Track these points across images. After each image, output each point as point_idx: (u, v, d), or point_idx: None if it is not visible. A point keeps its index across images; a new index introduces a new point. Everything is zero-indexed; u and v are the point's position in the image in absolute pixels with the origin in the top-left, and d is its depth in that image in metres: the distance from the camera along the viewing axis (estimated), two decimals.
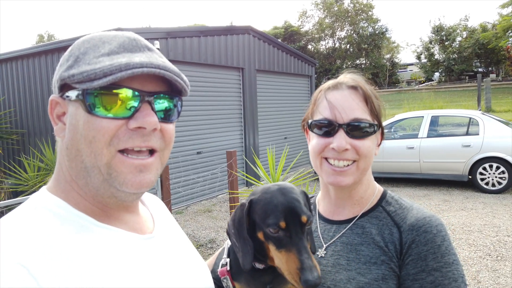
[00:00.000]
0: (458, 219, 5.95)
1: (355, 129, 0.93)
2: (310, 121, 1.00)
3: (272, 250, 0.81)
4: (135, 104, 0.62)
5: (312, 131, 0.99)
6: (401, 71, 48.81)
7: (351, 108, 0.94)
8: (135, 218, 0.74)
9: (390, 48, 45.12)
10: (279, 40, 11.24)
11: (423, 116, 8.42)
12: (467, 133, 7.75)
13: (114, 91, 0.61)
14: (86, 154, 0.62)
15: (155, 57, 0.66)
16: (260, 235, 0.83)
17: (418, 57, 44.74)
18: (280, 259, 0.80)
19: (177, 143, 7.38)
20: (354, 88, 0.97)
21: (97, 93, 0.61)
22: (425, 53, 43.05)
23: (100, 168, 0.63)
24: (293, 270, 0.77)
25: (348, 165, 0.95)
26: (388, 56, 45.23)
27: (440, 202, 6.96)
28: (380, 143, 1.04)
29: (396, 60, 46.64)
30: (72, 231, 0.61)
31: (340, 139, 0.93)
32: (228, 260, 0.93)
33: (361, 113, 0.94)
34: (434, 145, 7.96)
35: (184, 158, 7.52)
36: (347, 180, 0.95)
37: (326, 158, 0.97)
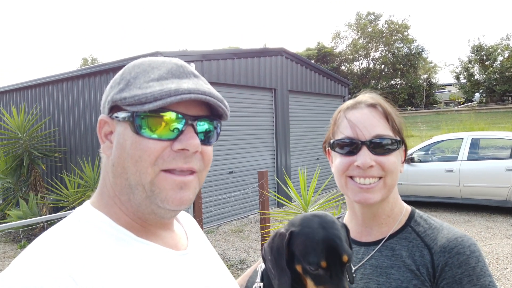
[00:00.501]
0: (503, 248, 5.59)
1: (378, 146, 0.93)
2: (332, 141, 1.00)
3: (310, 285, 0.81)
4: (180, 126, 0.66)
5: (335, 150, 0.99)
6: (438, 92, 47.39)
7: (372, 125, 0.94)
8: (171, 235, 0.76)
9: (427, 68, 44.06)
10: (312, 61, 11.30)
11: (462, 138, 8.09)
12: (511, 157, 7.36)
13: (161, 114, 0.65)
14: (131, 172, 0.65)
15: (201, 83, 0.69)
16: (298, 268, 0.82)
17: (457, 77, 43.36)
18: None
19: None
20: (373, 106, 0.97)
21: (144, 115, 0.65)
22: (464, 73, 41.67)
23: (144, 186, 0.66)
24: None
25: (374, 182, 0.94)
26: (424, 76, 44.14)
27: (482, 229, 6.58)
28: (404, 161, 1.02)
29: (434, 81, 45.41)
30: (112, 244, 0.64)
31: (364, 156, 0.93)
32: (261, 284, 0.92)
33: (383, 129, 0.94)
34: (475, 169, 7.59)
35: (216, 177, 7.59)
36: (375, 197, 0.94)
37: (351, 177, 0.96)
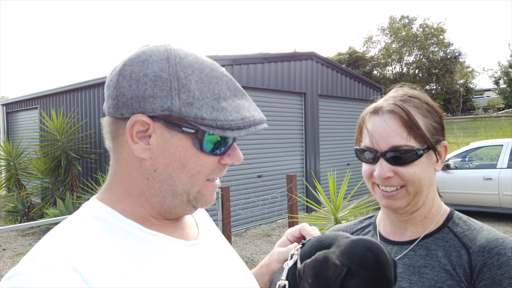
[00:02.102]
0: None
1: (395, 157, 0.90)
2: (355, 147, 1.00)
3: None
4: (230, 142, 0.69)
5: (358, 157, 0.99)
6: (476, 97, 45.56)
7: (388, 135, 0.90)
8: (181, 225, 0.76)
9: (464, 73, 42.49)
10: (343, 66, 11.17)
11: (502, 145, 7.71)
12: None
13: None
14: (182, 182, 0.67)
15: (255, 106, 0.71)
16: None
17: (496, 82, 41.52)
18: None
19: (238, 165, 7.51)
20: (392, 112, 0.91)
21: (211, 135, 0.65)
22: (504, 78, 39.81)
23: (189, 194, 0.68)
24: None
25: (396, 189, 0.92)
26: (461, 81, 42.58)
27: None
28: (443, 158, 0.96)
29: (471, 86, 43.71)
30: (120, 238, 0.64)
31: (380, 168, 0.91)
32: (286, 283, 0.90)
33: (399, 139, 0.89)
34: None
35: (245, 181, 7.62)
36: (399, 204, 0.92)
37: (377, 185, 0.95)
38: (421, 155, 0.90)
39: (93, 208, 0.68)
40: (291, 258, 0.91)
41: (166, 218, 0.71)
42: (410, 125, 0.89)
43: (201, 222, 0.83)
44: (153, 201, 0.68)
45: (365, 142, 0.95)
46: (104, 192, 0.71)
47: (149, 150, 0.65)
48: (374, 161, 0.93)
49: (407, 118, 0.89)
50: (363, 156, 0.96)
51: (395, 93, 0.98)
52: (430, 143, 0.91)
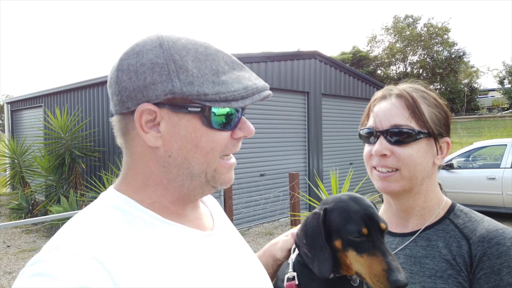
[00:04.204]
0: None
1: (394, 135, 0.93)
2: (359, 130, 1.03)
3: (352, 256, 0.80)
4: (239, 115, 0.69)
5: (362, 140, 1.02)
6: (481, 97, 45.33)
7: (391, 115, 0.95)
8: (197, 215, 0.77)
9: (468, 72, 42.26)
10: (347, 65, 11.15)
11: (506, 145, 7.67)
12: None
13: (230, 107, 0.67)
14: (197, 163, 0.67)
15: (255, 76, 0.71)
16: (337, 243, 0.82)
17: (501, 82, 41.29)
18: (361, 264, 0.79)
19: (241, 164, 7.53)
20: (399, 96, 0.96)
21: (218, 110, 0.66)
22: (509, 78, 39.58)
23: (207, 173, 0.69)
24: (378, 272, 0.76)
25: (391, 171, 0.94)
26: (466, 81, 42.36)
27: None
28: (446, 153, 0.99)
29: (476, 85, 43.48)
30: (139, 227, 0.65)
31: (379, 144, 0.94)
32: (295, 274, 0.92)
33: (401, 119, 0.93)
34: None
35: (248, 179, 7.63)
36: (393, 186, 0.94)
37: (374, 167, 0.98)
38: (419, 139, 0.93)
39: (112, 198, 0.69)
40: (294, 251, 0.93)
41: (186, 202, 0.72)
42: (413, 108, 0.94)
43: (215, 213, 0.85)
44: (172, 187, 0.69)
45: (370, 123, 0.99)
46: (121, 183, 0.72)
47: (160, 137, 0.66)
48: (375, 139, 0.96)
49: (411, 101, 0.94)
50: (366, 139, 1.00)
51: (405, 84, 1.03)
52: (432, 130, 0.94)
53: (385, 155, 0.93)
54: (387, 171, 0.94)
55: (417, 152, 0.93)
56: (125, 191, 0.70)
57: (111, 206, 0.67)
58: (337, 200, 0.87)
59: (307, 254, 0.86)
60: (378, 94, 1.03)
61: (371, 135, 0.98)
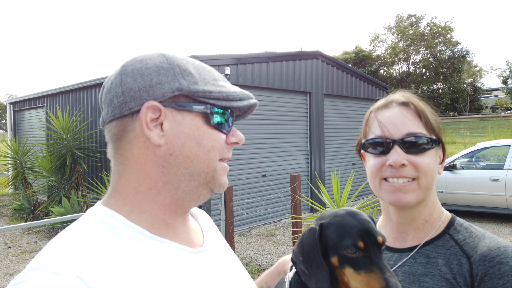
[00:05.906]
0: None
1: (411, 144, 0.89)
2: (363, 141, 0.97)
3: (349, 273, 0.77)
4: (232, 121, 0.74)
5: (367, 151, 0.96)
6: (484, 97, 45.10)
7: (403, 123, 0.91)
8: (186, 229, 0.75)
9: (471, 72, 42.06)
10: (349, 65, 11.12)
11: (509, 145, 7.62)
12: None
13: (227, 111, 0.72)
14: (199, 161, 0.69)
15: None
16: (334, 260, 0.79)
17: (505, 82, 41.05)
18: (359, 281, 0.76)
19: (242, 165, 7.51)
20: (405, 104, 0.93)
21: (218, 110, 0.71)
22: None
23: (207, 173, 0.70)
24: None
25: (408, 181, 0.89)
26: (469, 80, 42.16)
27: None
28: (443, 161, 0.96)
29: (479, 85, 43.26)
30: (125, 243, 0.63)
31: (396, 154, 0.89)
32: None
33: (415, 127, 0.90)
34: None
35: (249, 180, 7.61)
36: (409, 198, 0.89)
37: (385, 179, 0.92)
38: (433, 146, 0.91)
39: (99, 213, 0.68)
40: (291, 269, 0.91)
41: (177, 210, 0.71)
42: (424, 115, 0.92)
43: (206, 229, 0.83)
44: (166, 189, 0.68)
45: (377, 133, 0.94)
46: (109, 197, 0.71)
47: (163, 136, 0.67)
48: (386, 150, 0.91)
49: (421, 108, 0.92)
50: (373, 149, 0.94)
51: (401, 92, 1.00)
52: (438, 137, 0.92)
53: (403, 165, 0.89)
54: (404, 181, 0.90)
55: (432, 161, 0.91)
56: (113, 204, 0.69)
57: (98, 221, 0.66)
58: (333, 215, 0.84)
59: (304, 272, 0.83)
60: (379, 103, 0.99)
61: (380, 145, 0.93)
